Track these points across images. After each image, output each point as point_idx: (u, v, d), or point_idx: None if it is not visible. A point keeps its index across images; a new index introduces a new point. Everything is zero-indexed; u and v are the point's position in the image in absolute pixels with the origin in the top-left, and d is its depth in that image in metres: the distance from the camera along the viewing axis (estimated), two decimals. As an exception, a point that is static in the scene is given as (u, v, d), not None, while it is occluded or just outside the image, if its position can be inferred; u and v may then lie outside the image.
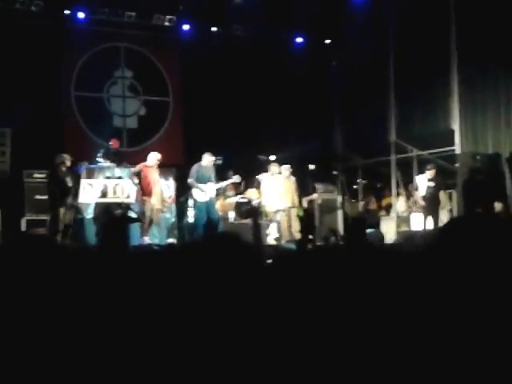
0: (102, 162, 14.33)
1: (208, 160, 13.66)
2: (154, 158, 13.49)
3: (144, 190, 13.22)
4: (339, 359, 2.28)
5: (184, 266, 2.56)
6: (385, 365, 2.26)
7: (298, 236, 14.47)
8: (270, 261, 2.99)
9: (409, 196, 15.77)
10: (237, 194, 15.47)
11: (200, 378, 2.20)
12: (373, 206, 17.14)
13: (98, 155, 14.42)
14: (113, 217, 12.82)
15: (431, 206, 14.31)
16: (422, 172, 14.89)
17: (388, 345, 2.31)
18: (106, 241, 11.87)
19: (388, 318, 2.43)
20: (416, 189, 14.51)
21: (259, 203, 14.97)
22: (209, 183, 13.54)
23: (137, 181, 13.36)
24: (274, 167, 14.89)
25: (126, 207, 13.28)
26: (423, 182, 14.35)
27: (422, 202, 14.34)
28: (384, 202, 17.11)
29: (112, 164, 14.46)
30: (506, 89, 15.33)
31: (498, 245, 2.37)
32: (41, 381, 2.29)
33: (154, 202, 13.26)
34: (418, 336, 2.30)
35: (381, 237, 13.95)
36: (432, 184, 14.29)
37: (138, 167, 13.43)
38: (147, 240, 13.09)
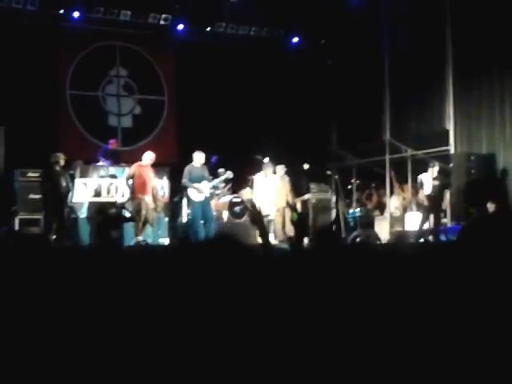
0: (101, 162, 14.36)
1: (199, 158, 13.64)
2: (148, 157, 13.48)
3: (139, 189, 13.20)
4: (337, 356, 2.29)
5: (179, 267, 2.56)
6: (384, 361, 2.27)
7: (291, 235, 14.48)
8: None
9: (414, 194, 15.65)
10: (231, 193, 15.46)
11: (199, 376, 2.20)
12: (369, 205, 17.14)
13: (97, 155, 14.47)
14: (106, 216, 12.82)
15: (435, 204, 14.21)
16: (417, 172, 14.87)
17: (386, 343, 2.32)
18: (100, 240, 11.90)
19: (384, 317, 2.44)
20: (421, 187, 14.35)
21: (252, 202, 14.95)
22: (203, 182, 13.54)
23: (131, 181, 13.34)
24: (268, 168, 14.88)
25: (120, 206, 13.27)
26: (428, 180, 14.21)
27: (426, 202, 14.22)
28: (374, 201, 17.10)
29: (107, 163, 14.46)
30: (501, 89, 15.31)
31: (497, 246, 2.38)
32: (35, 379, 2.29)
33: (149, 200, 13.24)
34: (417, 333, 2.30)
35: (375, 236, 14.00)
36: (437, 182, 14.19)
37: (133, 167, 13.41)
38: (141, 239, 13.08)
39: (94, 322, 2.51)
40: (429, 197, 14.16)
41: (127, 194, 13.73)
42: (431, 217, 14.16)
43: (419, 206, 14.77)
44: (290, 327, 2.35)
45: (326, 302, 2.55)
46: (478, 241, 2.50)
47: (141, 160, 13.45)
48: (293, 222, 14.87)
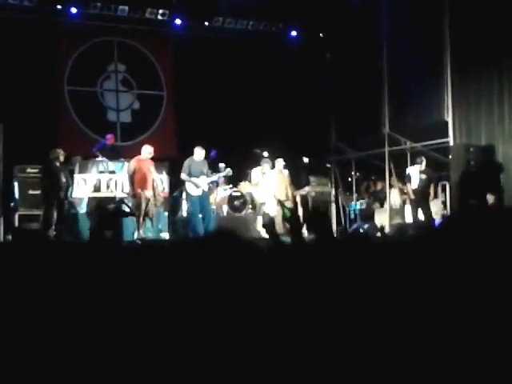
0: (100, 157, 14.34)
1: (199, 154, 13.63)
2: (146, 151, 13.47)
3: (139, 184, 13.20)
4: (337, 353, 2.29)
5: (181, 263, 2.56)
6: (383, 359, 2.27)
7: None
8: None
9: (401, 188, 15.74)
10: (230, 187, 15.47)
11: (199, 374, 2.20)
12: (368, 197, 17.15)
13: (96, 152, 14.45)
14: (106, 211, 12.82)
15: (422, 198, 14.32)
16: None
17: (385, 339, 2.32)
18: (99, 235, 11.90)
19: (383, 312, 2.44)
20: (408, 181, 14.47)
21: (251, 195, 14.97)
22: (202, 177, 13.52)
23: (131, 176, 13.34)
24: (265, 165, 14.81)
25: (120, 201, 13.27)
26: (415, 174, 14.34)
27: (412, 195, 14.31)
28: (371, 190, 17.10)
29: (106, 158, 14.46)
30: (499, 80, 15.30)
31: (495, 238, 2.37)
32: (36, 378, 2.29)
33: (149, 195, 13.25)
34: (416, 329, 2.30)
35: (376, 228, 14.01)
36: (424, 176, 14.29)
37: (132, 161, 13.39)
38: (142, 234, 13.09)
39: (92, 319, 2.50)
40: (415, 191, 14.22)
41: (127, 189, 13.75)
42: (419, 211, 14.20)
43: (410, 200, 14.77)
44: (291, 322, 2.35)
45: (326, 296, 2.55)
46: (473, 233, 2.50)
47: (140, 154, 13.45)
48: (285, 219, 14.87)
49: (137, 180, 13.21)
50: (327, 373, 2.24)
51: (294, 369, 2.22)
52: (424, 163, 14.37)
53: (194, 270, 2.44)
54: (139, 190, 13.14)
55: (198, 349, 2.21)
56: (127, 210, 13.25)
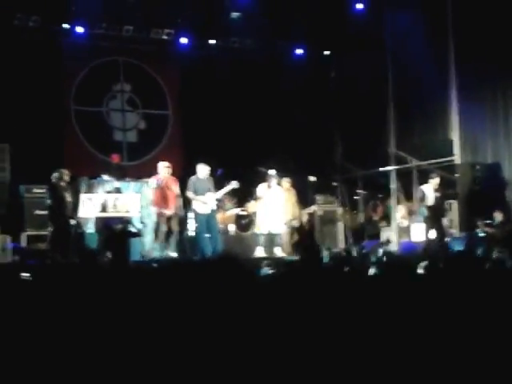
0: (106, 177, 14.35)
1: (203, 170, 13.60)
2: (162, 167, 13.52)
3: (158, 202, 13.28)
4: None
5: (183, 285, 2.56)
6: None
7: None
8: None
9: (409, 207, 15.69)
10: (236, 207, 15.45)
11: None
12: (375, 216, 17.10)
13: (101, 171, 14.47)
14: (113, 231, 12.82)
15: (437, 215, 14.13)
16: (422, 182, 14.83)
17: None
18: (106, 255, 11.88)
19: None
20: (422, 199, 14.25)
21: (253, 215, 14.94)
22: (208, 194, 13.48)
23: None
24: (271, 179, 14.70)
25: (126, 221, 13.26)
26: (430, 191, 14.11)
27: (428, 213, 14.17)
28: (380, 212, 17.05)
29: (112, 178, 14.44)
30: (504, 98, 15.36)
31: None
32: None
33: (170, 213, 13.30)
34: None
35: (385, 243, 13.97)
36: (438, 194, 14.11)
37: (154, 180, 13.41)
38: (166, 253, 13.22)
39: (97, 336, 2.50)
40: (430, 208, 14.10)
41: (134, 209, 13.75)
42: (434, 229, 14.12)
43: (423, 217, 14.67)
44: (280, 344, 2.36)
45: (316, 321, 2.56)
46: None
47: (148, 172, 13.52)
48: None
49: (156, 198, 13.26)
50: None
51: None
52: (438, 180, 14.21)
53: (193, 292, 2.45)
54: (160, 209, 13.18)
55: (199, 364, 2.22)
56: (134, 230, 13.25)
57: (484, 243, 12.54)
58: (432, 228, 14.03)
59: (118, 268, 9.14)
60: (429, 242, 13.79)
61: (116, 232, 12.87)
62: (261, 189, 14.74)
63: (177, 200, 13.59)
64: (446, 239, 13.97)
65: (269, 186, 14.63)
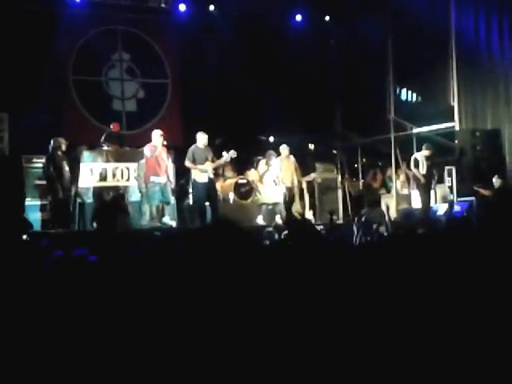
0: (105, 146, 14.32)
1: (202, 139, 13.57)
2: (156, 135, 13.50)
3: (151, 170, 13.28)
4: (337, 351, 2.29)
5: (184, 252, 2.57)
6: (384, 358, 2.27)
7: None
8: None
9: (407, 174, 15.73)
10: (236, 175, 15.46)
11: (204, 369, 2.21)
12: (374, 183, 17.11)
13: (101, 139, 14.42)
14: (103, 203, 12.86)
15: (429, 183, 14.35)
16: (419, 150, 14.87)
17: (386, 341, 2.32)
18: (99, 225, 11.95)
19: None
20: (416, 166, 14.41)
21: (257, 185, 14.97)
22: (206, 163, 13.48)
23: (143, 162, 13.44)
24: (269, 157, 14.74)
25: (119, 193, 13.31)
26: (422, 159, 14.29)
27: (423, 179, 14.28)
28: (379, 180, 17.06)
29: (112, 147, 14.43)
30: (505, 65, 15.27)
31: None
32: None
33: (163, 181, 13.31)
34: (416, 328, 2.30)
35: (382, 215, 14.00)
36: (429, 163, 14.27)
37: (148, 148, 13.39)
38: (168, 221, 13.25)
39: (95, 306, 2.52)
40: (424, 175, 14.21)
41: (133, 178, 13.78)
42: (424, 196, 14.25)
43: (417, 184, 14.71)
44: (284, 316, 2.36)
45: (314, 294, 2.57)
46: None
47: (148, 141, 13.49)
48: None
49: (149, 167, 13.25)
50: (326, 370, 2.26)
51: (294, 365, 2.23)
52: (431, 150, 14.31)
53: (193, 260, 2.45)
54: (153, 177, 13.19)
55: (197, 339, 2.23)
56: (124, 203, 13.27)
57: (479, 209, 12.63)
58: (426, 195, 14.18)
59: (100, 239, 9.20)
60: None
61: (105, 204, 12.90)
62: (261, 166, 14.82)
63: (168, 169, 13.60)
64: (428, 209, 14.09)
65: (267, 164, 14.70)
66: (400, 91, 16.73)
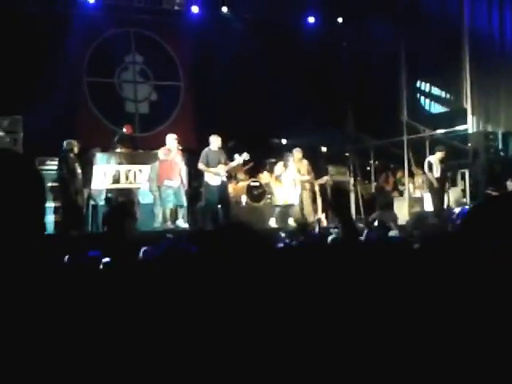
0: (118, 147, 14.36)
1: (216, 142, 13.59)
2: (170, 139, 13.53)
3: (166, 173, 13.30)
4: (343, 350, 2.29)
5: (196, 255, 2.58)
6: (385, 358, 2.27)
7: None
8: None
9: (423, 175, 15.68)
10: (249, 177, 15.47)
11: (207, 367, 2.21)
12: (387, 186, 17.09)
13: (114, 141, 14.45)
14: (112, 207, 12.88)
15: (442, 187, 14.27)
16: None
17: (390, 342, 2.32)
18: (108, 228, 11.97)
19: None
20: (430, 169, 14.34)
21: (270, 186, 14.95)
22: (219, 166, 13.50)
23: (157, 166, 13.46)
24: (287, 159, 14.73)
25: (130, 200, 13.32)
26: (436, 162, 14.20)
27: (436, 183, 14.22)
28: (391, 182, 17.02)
29: (125, 149, 14.47)
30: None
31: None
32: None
33: (176, 185, 13.33)
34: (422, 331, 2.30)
35: (394, 218, 13.96)
36: (443, 166, 14.20)
37: (162, 151, 13.42)
38: (182, 223, 13.23)
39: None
40: (437, 179, 14.14)
41: (145, 181, 13.81)
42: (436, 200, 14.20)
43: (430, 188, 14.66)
44: (296, 319, 2.36)
45: (327, 296, 2.57)
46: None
47: (161, 144, 13.52)
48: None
49: (163, 170, 13.28)
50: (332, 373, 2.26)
51: (303, 365, 2.23)
52: (444, 153, 14.25)
53: (207, 263, 2.45)
54: (167, 181, 13.21)
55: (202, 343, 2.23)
56: (130, 211, 13.27)
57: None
58: (439, 198, 14.12)
59: (112, 242, 9.21)
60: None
61: (115, 207, 12.91)
62: (278, 167, 14.82)
63: (182, 172, 13.63)
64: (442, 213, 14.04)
65: (285, 166, 14.70)
66: (413, 93, 16.67)
